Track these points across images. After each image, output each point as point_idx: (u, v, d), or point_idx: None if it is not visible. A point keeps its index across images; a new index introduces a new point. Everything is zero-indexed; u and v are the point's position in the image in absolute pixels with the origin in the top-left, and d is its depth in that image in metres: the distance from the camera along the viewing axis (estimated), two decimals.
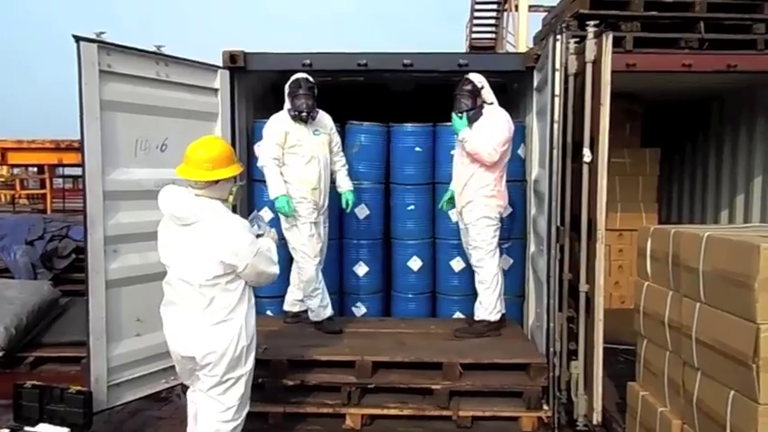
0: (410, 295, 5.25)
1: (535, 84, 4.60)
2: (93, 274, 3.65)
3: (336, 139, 4.65)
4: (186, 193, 2.88)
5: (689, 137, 7.19)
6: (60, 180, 15.39)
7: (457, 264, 5.07)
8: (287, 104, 4.41)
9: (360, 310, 5.25)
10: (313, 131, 4.43)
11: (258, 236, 2.99)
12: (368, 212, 5.20)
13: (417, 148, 5.16)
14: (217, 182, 2.86)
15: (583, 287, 3.81)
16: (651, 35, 4.57)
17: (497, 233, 4.41)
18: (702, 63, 4.49)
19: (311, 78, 4.39)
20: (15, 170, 13.81)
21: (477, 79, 4.33)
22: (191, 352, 2.86)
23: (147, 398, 4.06)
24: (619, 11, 4.59)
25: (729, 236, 2.72)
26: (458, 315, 5.07)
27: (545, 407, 3.84)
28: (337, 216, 5.03)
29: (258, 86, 5.24)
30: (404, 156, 5.19)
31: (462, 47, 14.22)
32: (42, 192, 12.37)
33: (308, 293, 4.51)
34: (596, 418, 3.75)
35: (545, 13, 7.40)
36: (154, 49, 3.99)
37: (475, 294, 4.55)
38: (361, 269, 5.23)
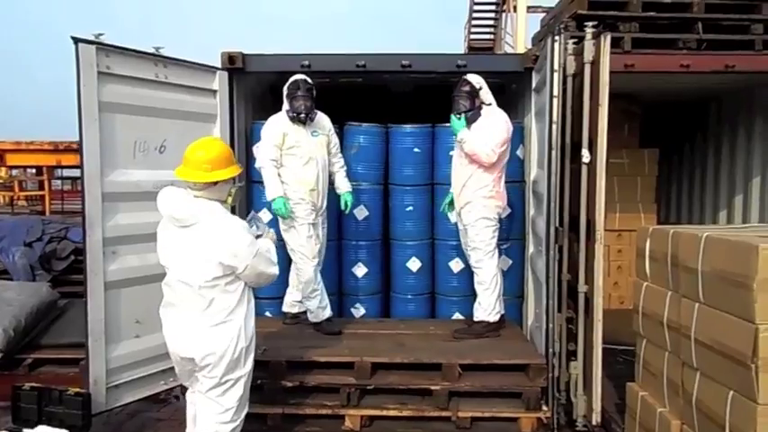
0: (409, 296, 5.25)
1: (534, 84, 4.61)
2: (91, 276, 3.65)
3: (335, 140, 4.65)
4: (185, 194, 2.88)
5: (687, 137, 7.20)
6: (59, 181, 15.37)
7: (456, 265, 5.07)
8: (285, 106, 4.41)
9: (359, 311, 5.25)
10: (311, 133, 4.43)
11: (257, 236, 2.99)
12: (367, 213, 5.20)
13: (416, 149, 5.16)
14: (216, 183, 2.86)
15: (582, 288, 3.82)
16: (649, 36, 4.58)
17: (496, 234, 4.41)
18: (700, 64, 4.50)
19: (309, 80, 4.39)
20: (14, 172, 13.79)
21: (476, 80, 4.33)
22: (190, 353, 2.86)
23: (145, 399, 4.06)
24: (617, 12, 4.60)
25: (728, 236, 2.72)
26: (457, 316, 5.07)
27: (544, 407, 3.84)
28: (336, 217, 5.03)
29: (257, 88, 5.25)
30: (402, 157, 5.19)
31: (461, 47, 14.23)
32: (41, 193, 12.37)
33: (306, 294, 4.51)
34: (595, 418, 3.75)
35: (543, 14, 7.42)
36: (152, 50, 3.99)
37: (474, 295, 4.55)
38: (360, 270, 5.23)
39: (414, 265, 5.19)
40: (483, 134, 4.23)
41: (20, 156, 11.40)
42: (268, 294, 4.86)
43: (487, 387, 3.91)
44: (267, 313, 5.06)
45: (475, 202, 4.33)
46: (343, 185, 4.66)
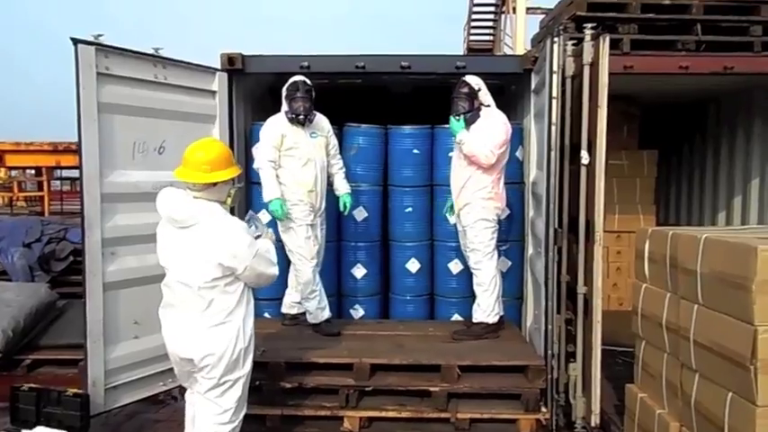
0: (408, 297, 5.25)
1: (533, 86, 4.61)
2: (90, 277, 3.65)
3: (334, 141, 4.65)
4: (184, 195, 2.88)
5: (686, 139, 7.21)
6: (58, 182, 15.38)
7: (455, 266, 5.07)
8: (284, 107, 4.41)
9: (358, 312, 5.25)
10: (310, 134, 4.42)
11: (256, 237, 2.99)
12: (366, 215, 5.20)
13: (415, 151, 5.16)
14: (215, 184, 2.86)
15: (581, 289, 3.82)
16: (648, 37, 4.59)
17: (495, 235, 4.41)
18: (699, 65, 4.51)
19: (309, 81, 4.39)
20: (13, 172, 13.78)
21: (474, 82, 4.33)
22: (189, 354, 2.85)
23: (144, 401, 4.06)
24: (616, 13, 4.61)
25: (727, 238, 2.72)
26: (456, 317, 5.07)
27: (543, 409, 3.84)
28: (335, 218, 5.03)
29: (256, 89, 5.25)
30: (402, 158, 5.19)
31: (460, 49, 14.24)
32: (40, 194, 12.36)
33: (305, 296, 4.50)
34: (594, 420, 3.75)
35: (542, 16, 7.43)
36: (152, 51, 3.99)
37: (473, 296, 4.54)
38: (359, 271, 5.23)
39: (413, 266, 5.19)
40: (482, 136, 4.23)
41: (19, 156, 11.41)
42: (267, 295, 4.86)
43: (486, 388, 3.91)
44: (266, 314, 5.06)
45: (474, 203, 4.33)
46: (342, 187, 4.66)
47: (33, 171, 13.28)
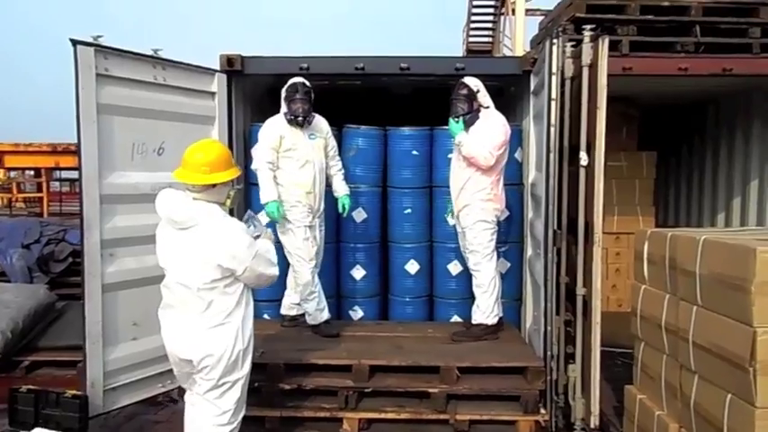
0: (407, 299, 5.24)
1: (532, 87, 4.61)
2: (89, 278, 3.64)
3: (332, 143, 4.65)
4: (184, 196, 2.88)
5: (685, 140, 7.21)
6: (57, 183, 15.36)
7: (454, 267, 5.07)
8: (283, 108, 4.41)
9: (357, 313, 5.24)
10: (309, 135, 4.42)
11: (255, 237, 2.98)
12: (365, 216, 5.20)
13: (414, 152, 5.16)
14: (214, 185, 2.86)
15: (580, 290, 3.82)
16: (647, 39, 4.59)
17: (494, 237, 4.41)
18: (698, 67, 4.51)
19: (308, 83, 4.39)
20: (12, 173, 13.77)
21: (473, 83, 4.33)
22: (188, 355, 2.85)
23: (143, 402, 4.05)
24: (615, 15, 4.62)
25: (726, 239, 2.72)
26: (455, 318, 5.06)
27: (542, 410, 3.84)
28: (334, 220, 5.02)
29: (255, 90, 5.25)
30: (401, 159, 5.19)
31: (460, 50, 14.25)
32: (39, 195, 12.35)
33: (304, 297, 4.50)
34: (594, 421, 3.75)
35: (542, 17, 7.44)
36: (151, 52, 3.99)
37: (472, 298, 4.54)
38: (359, 272, 5.22)
39: (412, 267, 5.19)
40: (481, 137, 4.23)
41: (18, 157, 11.40)
42: (266, 297, 4.85)
43: (485, 390, 3.91)
44: (265, 316, 5.05)
45: (473, 204, 4.33)
46: (341, 189, 4.66)
47: (32, 172, 13.27)
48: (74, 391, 3.61)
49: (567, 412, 3.93)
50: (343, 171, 4.70)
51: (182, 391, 3.21)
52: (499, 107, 4.45)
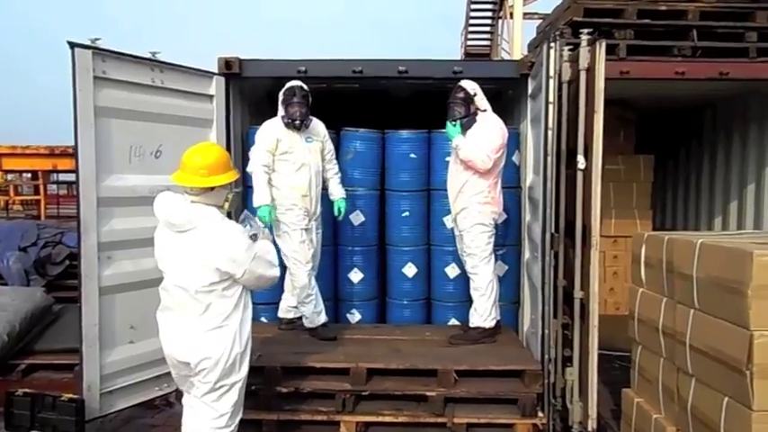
0: (405, 302, 5.24)
1: (529, 91, 4.62)
2: (86, 281, 3.64)
3: (329, 146, 4.65)
4: (182, 199, 2.87)
5: (682, 143, 7.24)
6: (55, 186, 15.34)
7: (452, 270, 5.07)
8: (280, 112, 4.41)
9: (354, 316, 5.24)
10: (306, 139, 4.42)
11: (252, 236, 2.98)
12: (363, 219, 5.20)
13: (412, 155, 5.17)
14: (212, 188, 2.86)
15: (577, 294, 3.82)
16: (644, 43, 4.61)
17: (492, 240, 4.41)
18: (695, 71, 4.53)
19: (305, 86, 4.39)
20: (9, 176, 13.74)
21: (470, 86, 4.34)
22: (185, 357, 2.85)
23: (140, 405, 4.04)
24: (612, 19, 4.64)
25: (723, 243, 2.73)
26: (453, 322, 5.06)
27: (540, 414, 3.83)
28: (332, 222, 5.02)
29: (253, 93, 5.25)
30: (399, 162, 5.19)
31: (458, 53, 14.28)
32: (36, 198, 12.31)
33: (301, 300, 4.50)
34: (591, 424, 3.75)
35: (539, 21, 7.46)
36: (149, 55, 3.99)
37: (470, 301, 4.54)
38: (356, 276, 5.22)
39: (410, 270, 5.19)
40: (478, 140, 4.23)
41: (15, 160, 11.36)
42: (263, 300, 4.85)
43: (483, 393, 3.90)
44: (263, 319, 5.04)
45: (471, 207, 4.33)
46: (337, 192, 4.66)
47: (30, 175, 13.24)
48: (70, 395, 3.60)
49: (565, 415, 3.93)
50: (339, 175, 4.70)
51: (179, 394, 3.20)
52: (497, 110, 4.46)
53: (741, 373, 2.45)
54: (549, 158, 3.88)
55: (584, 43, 3.76)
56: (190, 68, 4.31)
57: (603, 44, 3.62)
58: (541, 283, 3.94)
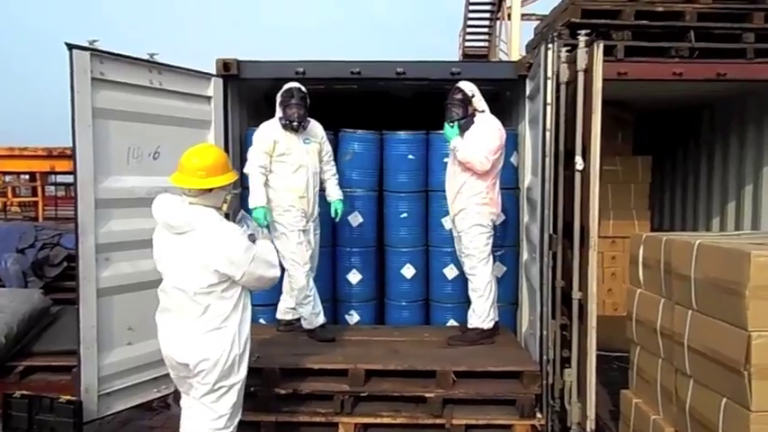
0: (403, 303, 5.24)
1: (527, 92, 4.63)
2: (84, 283, 3.63)
3: (327, 148, 4.65)
4: (180, 201, 2.87)
5: (680, 144, 7.24)
6: (52, 188, 15.31)
7: (450, 271, 5.07)
8: (278, 113, 4.41)
9: (353, 317, 5.24)
10: (303, 140, 4.42)
11: (250, 236, 2.97)
12: (361, 220, 5.20)
13: (410, 156, 5.17)
14: (211, 190, 2.86)
15: (576, 294, 3.82)
16: (642, 44, 4.61)
17: (490, 241, 4.41)
18: (693, 71, 4.53)
19: (303, 88, 4.39)
20: (7, 177, 13.72)
21: (468, 88, 4.34)
22: (184, 359, 2.85)
23: (138, 407, 4.03)
24: (610, 20, 4.64)
25: (721, 243, 2.73)
26: (451, 323, 5.06)
27: (538, 415, 3.83)
28: (330, 224, 5.02)
29: (251, 94, 5.25)
30: (397, 163, 5.19)
31: (456, 54, 14.29)
32: (34, 199, 12.29)
33: (299, 301, 4.50)
34: (590, 425, 3.74)
35: (537, 22, 7.47)
36: (147, 57, 3.99)
37: (468, 302, 4.54)
38: (354, 277, 5.22)
39: (408, 271, 5.19)
40: (476, 142, 4.23)
41: (13, 161, 11.34)
42: (262, 301, 4.84)
43: (482, 394, 3.90)
44: (261, 320, 5.04)
45: (469, 209, 4.33)
46: (334, 193, 4.65)
47: (27, 176, 13.23)
48: (68, 397, 3.60)
49: (563, 416, 3.92)
50: (337, 176, 4.70)
51: (177, 396, 3.20)
52: (495, 112, 4.46)
53: (739, 373, 2.45)
54: (547, 159, 3.88)
55: (581, 44, 3.76)
56: (188, 70, 4.31)
57: (601, 45, 3.62)
58: (540, 284, 3.94)
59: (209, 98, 4.50)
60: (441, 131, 4.47)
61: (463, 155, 4.22)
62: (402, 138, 5.19)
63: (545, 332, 3.87)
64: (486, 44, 13.97)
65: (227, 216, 2.99)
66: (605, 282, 6.59)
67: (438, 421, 3.82)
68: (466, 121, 4.30)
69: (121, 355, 3.84)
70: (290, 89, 4.36)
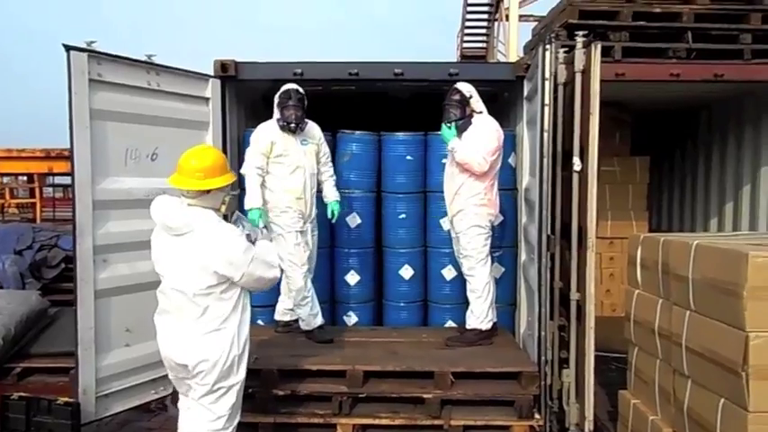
0: (402, 304, 5.24)
1: (525, 93, 4.63)
2: (81, 284, 3.63)
3: (325, 149, 4.64)
4: (179, 202, 2.87)
5: (678, 145, 7.26)
6: (50, 189, 15.28)
7: (448, 272, 5.07)
8: (276, 114, 4.41)
9: (351, 319, 5.23)
10: (301, 141, 4.42)
11: (247, 236, 2.97)
12: (359, 221, 5.20)
13: (408, 157, 5.17)
14: (209, 191, 2.86)
15: (574, 295, 3.82)
16: (639, 45, 4.62)
17: (488, 242, 4.41)
18: (690, 72, 4.54)
19: (301, 90, 4.39)
20: (5, 179, 13.70)
21: (466, 89, 4.34)
22: (183, 360, 2.85)
23: (136, 409, 4.03)
24: (607, 21, 4.65)
25: (718, 244, 2.74)
26: (449, 324, 5.06)
27: (537, 415, 3.83)
28: (328, 225, 5.01)
29: (249, 95, 5.24)
30: (395, 164, 5.19)
31: (454, 55, 14.31)
32: (32, 201, 12.27)
33: (297, 302, 4.49)
34: (588, 426, 3.75)
35: (535, 23, 7.47)
36: (145, 58, 3.99)
37: (466, 303, 4.54)
38: (353, 278, 5.22)
39: (406, 272, 5.19)
40: (474, 143, 4.24)
41: (11, 163, 11.32)
42: (260, 302, 4.83)
43: (480, 395, 3.90)
44: (259, 321, 5.03)
45: (467, 209, 4.33)
46: (331, 194, 4.65)
47: (25, 177, 13.20)
48: (66, 398, 3.59)
49: (562, 417, 3.93)
50: (334, 177, 4.69)
51: (174, 397, 3.19)
52: (493, 112, 4.46)
53: (737, 374, 2.45)
54: (544, 160, 3.88)
55: (579, 45, 3.77)
56: (186, 71, 4.31)
57: (599, 46, 3.63)
58: (538, 285, 3.94)
59: (206, 99, 4.50)
60: (439, 132, 4.47)
61: (461, 156, 4.22)
62: (400, 139, 5.20)
63: (543, 333, 3.87)
64: (484, 45, 13.99)
65: (225, 217, 3.00)
66: (603, 282, 6.60)
67: (436, 422, 3.81)
68: (464, 123, 4.30)
69: (119, 357, 3.83)
70: (287, 90, 4.36)
